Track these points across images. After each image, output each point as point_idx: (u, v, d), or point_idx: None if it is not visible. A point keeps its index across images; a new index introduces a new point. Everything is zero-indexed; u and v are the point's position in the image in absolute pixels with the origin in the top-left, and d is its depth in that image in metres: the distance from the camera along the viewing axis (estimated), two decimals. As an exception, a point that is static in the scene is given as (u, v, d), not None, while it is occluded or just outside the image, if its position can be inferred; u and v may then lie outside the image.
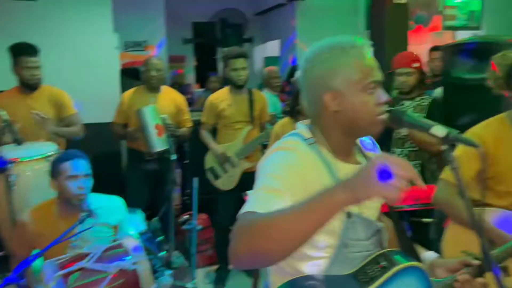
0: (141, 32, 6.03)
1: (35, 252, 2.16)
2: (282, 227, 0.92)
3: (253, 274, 2.87)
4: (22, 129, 2.64)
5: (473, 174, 1.67)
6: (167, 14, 6.39)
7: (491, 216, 1.69)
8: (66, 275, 1.77)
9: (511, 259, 1.43)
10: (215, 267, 3.52)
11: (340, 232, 1.14)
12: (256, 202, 1.03)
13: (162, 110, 3.32)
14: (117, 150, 4.41)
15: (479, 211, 1.45)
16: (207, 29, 8.40)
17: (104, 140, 3.91)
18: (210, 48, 8.67)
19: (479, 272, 1.25)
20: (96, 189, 2.20)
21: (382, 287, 1.12)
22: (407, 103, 2.87)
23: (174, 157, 3.02)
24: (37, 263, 1.92)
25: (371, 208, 1.24)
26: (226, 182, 3.35)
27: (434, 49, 4.47)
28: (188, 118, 3.60)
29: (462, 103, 3.06)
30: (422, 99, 2.87)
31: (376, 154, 1.32)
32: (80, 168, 2.08)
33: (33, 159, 2.74)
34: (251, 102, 3.34)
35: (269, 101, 3.73)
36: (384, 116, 1.15)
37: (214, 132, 3.45)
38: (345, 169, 1.17)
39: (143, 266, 1.81)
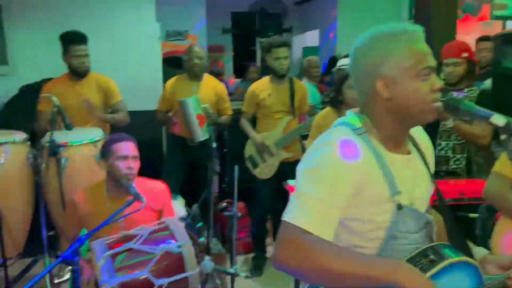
0: (182, 21, 6.11)
1: (83, 231, 2.26)
2: (335, 278, 1.01)
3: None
4: (71, 115, 2.74)
5: None
6: (207, 4, 6.45)
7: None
8: (114, 255, 1.83)
9: None
10: (251, 255, 3.57)
11: (390, 224, 1.13)
12: (310, 219, 1.06)
13: (203, 99, 3.37)
14: (159, 137, 4.51)
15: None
16: (246, 19, 8.40)
17: (146, 128, 4.00)
18: (248, 38, 8.67)
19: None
20: (139, 175, 2.27)
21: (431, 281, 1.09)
22: (454, 94, 2.78)
23: (214, 145, 3.06)
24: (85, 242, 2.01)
25: (422, 200, 1.21)
26: (264, 171, 3.36)
27: (482, 39, 4.27)
28: (228, 106, 3.63)
29: (512, 94, 2.93)
30: (471, 90, 2.77)
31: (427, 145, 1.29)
32: (129, 149, 2.17)
33: (82, 143, 2.86)
34: (292, 92, 3.32)
35: (308, 91, 3.71)
36: (438, 104, 1.12)
37: (254, 121, 3.47)
38: (396, 161, 1.15)
39: (187, 250, 1.85)
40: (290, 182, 2.68)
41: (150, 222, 2.08)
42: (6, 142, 2.77)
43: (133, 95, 3.79)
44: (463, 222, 2.52)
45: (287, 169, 3.15)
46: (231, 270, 2.07)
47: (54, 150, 2.57)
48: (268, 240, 3.72)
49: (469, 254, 1.21)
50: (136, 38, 4.48)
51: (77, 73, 3.17)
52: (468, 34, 5.42)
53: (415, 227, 1.17)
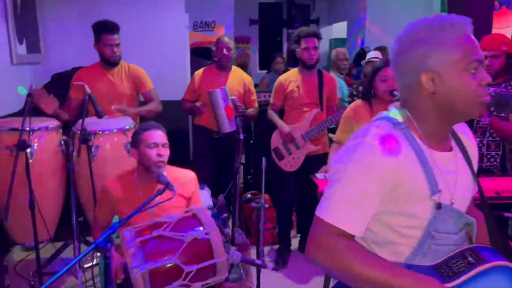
0: (210, 12, 6.11)
1: (116, 218, 2.30)
2: (364, 284, 1.04)
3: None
4: (102, 104, 2.77)
5: None
6: (235, -5, 6.42)
7: None
8: (144, 242, 1.85)
9: None
10: (275, 246, 3.57)
11: (427, 224, 1.10)
12: (344, 217, 1.07)
13: (231, 90, 3.37)
14: (186, 127, 4.54)
15: None
16: (273, 10, 8.34)
17: (173, 118, 4.02)
18: (275, 29, 8.61)
19: None
20: (167, 164, 2.28)
21: (467, 284, 1.07)
22: (491, 89, 2.69)
23: (241, 136, 3.06)
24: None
25: (463, 199, 1.17)
26: (290, 163, 3.35)
27: (520, 32, 4.12)
28: (255, 99, 3.63)
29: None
30: (509, 85, 2.67)
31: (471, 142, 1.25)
32: (159, 137, 2.20)
33: (112, 132, 2.90)
34: (320, 84, 3.29)
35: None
36: (486, 99, 1.08)
37: (281, 113, 3.44)
38: (437, 158, 1.12)
39: (215, 237, 1.86)
40: (319, 176, 2.65)
41: (179, 209, 2.10)
42: (39, 129, 2.84)
43: (160, 85, 3.81)
44: (499, 222, 2.46)
45: (314, 162, 3.13)
46: (259, 262, 2.07)
47: (85, 137, 2.62)
48: (292, 232, 3.71)
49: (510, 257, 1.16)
50: (165, 28, 4.50)
51: (109, 62, 3.21)
52: (503, 28, 5.23)
53: (454, 227, 1.13)
